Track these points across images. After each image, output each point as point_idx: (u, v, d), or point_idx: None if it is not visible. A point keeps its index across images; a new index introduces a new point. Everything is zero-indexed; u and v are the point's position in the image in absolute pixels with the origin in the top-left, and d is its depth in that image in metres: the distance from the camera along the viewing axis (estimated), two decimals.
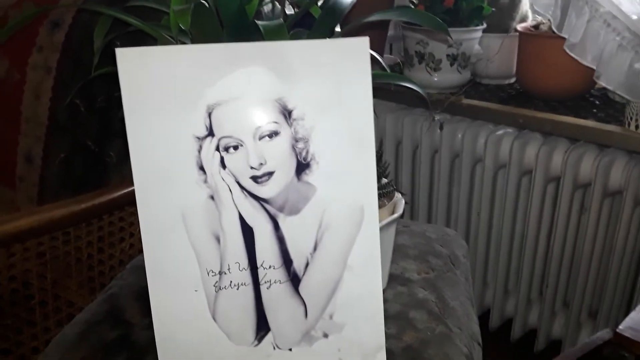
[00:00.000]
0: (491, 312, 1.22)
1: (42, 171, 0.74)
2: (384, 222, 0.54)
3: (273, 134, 0.45)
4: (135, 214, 0.75)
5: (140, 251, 0.77)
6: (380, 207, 0.54)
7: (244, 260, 0.47)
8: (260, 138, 0.45)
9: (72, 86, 0.72)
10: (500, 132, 1.09)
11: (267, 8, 0.63)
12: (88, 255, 0.68)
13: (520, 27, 1.07)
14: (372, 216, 0.47)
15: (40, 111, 0.74)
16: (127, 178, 0.75)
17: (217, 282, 0.47)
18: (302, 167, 0.46)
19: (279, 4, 0.64)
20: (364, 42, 0.46)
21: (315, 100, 0.46)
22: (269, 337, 0.49)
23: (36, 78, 0.76)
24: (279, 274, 0.48)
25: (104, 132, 0.74)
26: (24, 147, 0.77)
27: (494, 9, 1.08)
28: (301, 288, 0.48)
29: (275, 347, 0.49)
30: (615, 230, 0.99)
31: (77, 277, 0.68)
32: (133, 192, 0.71)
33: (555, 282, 1.11)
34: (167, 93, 0.44)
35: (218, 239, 0.47)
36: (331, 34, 0.58)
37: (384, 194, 0.57)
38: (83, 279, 0.68)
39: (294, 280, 0.48)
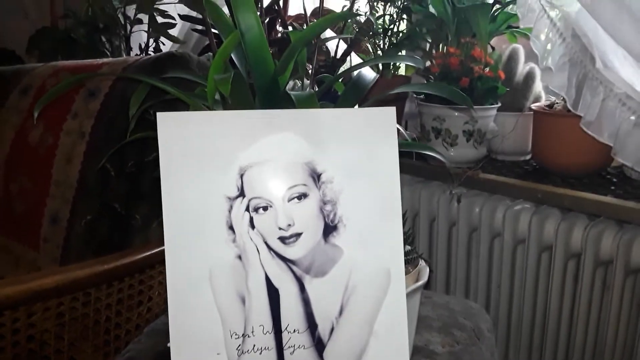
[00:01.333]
0: None
1: (67, 232, 0.76)
2: (410, 288, 0.53)
3: (302, 196, 0.46)
4: (154, 277, 0.75)
5: (157, 315, 0.76)
6: (405, 273, 0.54)
7: (268, 323, 0.47)
8: (290, 200, 0.46)
9: (104, 151, 0.75)
10: (518, 207, 1.09)
11: (292, 84, 0.66)
12: (106, 318, 0.68)
13: (534, 106, 1.10)
14: (399, 280, 0.47)
15: (70, 174, 0.77)
16: (150, 241, 0.75)
17: (240, 345, 0.47)
18: (329, 229, 0.47)
19: (306, 79, 0.67)
20: (391, 112, 0.48)
21: (344, 165, 0.47)
22: None
23: (69, 143, 0.79)
24: (304, 338, 0.47)
25: (132, 195, 0.76)
26: (51, 209, 0.79)
27: (508, 89, 1.12)
28: (326, 354, 0.47)
29: None
30: (639, 309, 0.96)
31: (94, 340, 0.67)
32: (155, 255, 0.72)
33: None
34: (202, 155, 0.46)
35: (243, 300, 0.47)
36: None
37: (408, 261, 0.57)
38: (99, 342, 0.67)
39: (319, 346, 0.47)
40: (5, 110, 0.89)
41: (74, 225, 0.76)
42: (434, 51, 1.20)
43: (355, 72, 0.63)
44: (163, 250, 0.45)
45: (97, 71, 0.80)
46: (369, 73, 0.64)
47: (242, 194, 0.46)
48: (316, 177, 0.47)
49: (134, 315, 0.72)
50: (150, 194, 0.76)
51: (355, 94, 0.62)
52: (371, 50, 1.25)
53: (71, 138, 0.79)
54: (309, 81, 0.67)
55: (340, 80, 0.69)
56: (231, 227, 0.46)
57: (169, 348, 0.47)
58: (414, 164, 1.21)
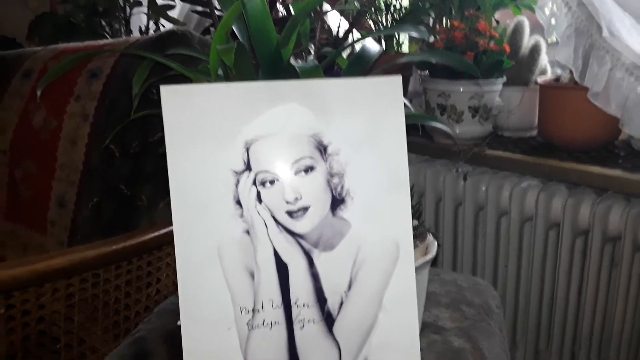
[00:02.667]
0: None
1: (74, 215, 0.76)
2: (419, 262, 0.53)
3: (309, 169, 0.46)
4: (162, 259, 0.75)
5: (166, 297, 0.77)
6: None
7: (277, 298, 0.46)
8: (296, 173, 0.46)
9: (108, 132, 0.75)
10: (525, 184, 1.08)
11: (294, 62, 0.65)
12: (115, 299, 0.68)
13: (540, 80, 1.09)
14: (407, 253, 0.47)
15: (75, 157, 0.77)
16: (156, 222, 0.75)
17: (249, 320, 0.46)
18: (337, 202, 0.46)
19: (309, 54, 0.66)
20: (397, 80, 0.47)
21: (350, 137, 0.46)
22: None
23: (73, 125, 0.79)
24: (313, 312, 0.47)
25: (137, 176, 0.76)
26: (57, 193, 0.78)
27: (513, 63, 1.10)
28: (335, 329, 0.47)
29: None
30: None
31: (103, 321, 0.67)
32: (162, 236, 0.72)
33: (588, 342, 1.06)
34: (207, 129, 0.45)
35: (252, 276, 0.46)
36: None
37: (416, 235, 0.56)
38: (109, 323, 0.67)
39: (328, 320, 0.47)
40: (7, 96, 0.88)
41: (80, 208, 0.76)
42: (437, 26, 1.18)
43: (359, 46, 0.62)
44: (170, 232, 0.45)
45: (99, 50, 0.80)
46: (373, 46, 0.63)
47: (248, 167, 0.46)
48: (322, 149, 0.46)
49: (143, 296, 0.72)
50: (155, 175, 0.76)
51: (359, 67, 0.61)
52: (373, 27, 1.23)
53: (75, 121, 0.78)
54: (311, 56, 0.66)
55: (343, 56, 0.68)
56: (238, 202, 0.46)
57: (179, 327, 0.47)
58: (419, 142, 1.20)
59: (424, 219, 1.23)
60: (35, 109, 0.83)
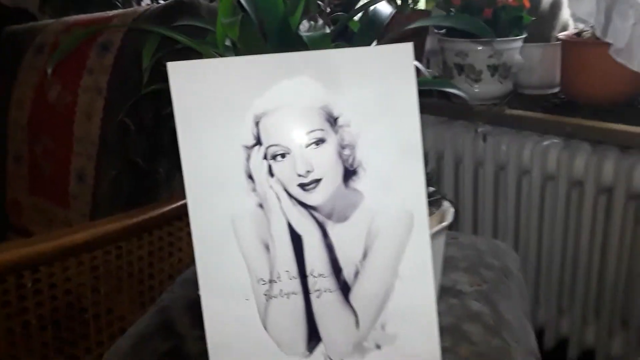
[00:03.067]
0: (545, 332, 1.17)
1: (95, 189, 0.77)
2: (434, 230, 0.53)
3: (319, 141, 0.46)
4: (182, 229, 0.77)
5: (188, 265, 0.78)
6: (428, 215, 0.54)
7: (293, 269, 0.47)
8: (307, 145, 0.46)
9: (122, 106, 0.75)
10: (546, 142, 1.06)
11: (305, 25, 0.64)
12: (139, 270, 0.70)
13: (562, 35, 1.05)
14: (422, 223, 0.47)
15: (92, 131, 0.77)
16: (175, 193, 0.76)
17: (267, 290, 0.47)
18: (349, 173, 0.46)
19: (321, 19, 0.65)
20: (407, 48, 0.46)
21: (361, 107, 0.46)
22: (320, 348, 0.48)
23: (87, 99, 0.79)
24: (329, 282, 0.47)
25: (153, 149, 0.77)
26: (76, 166, 0.80)
27: (533, 18, 1.06)
28: (352, 297, 0.48)
29: (327, 358, 0.48)
30: None
31: (129, 291, 0.69)
32: (181, 207, 0.73)
33: (612, 299, 1.06)
34: (216, 104, 0.45)
35: (267, 247, 0.47)
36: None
37: (432, 203, 0.56)
38: (134, 293, 0.70)
39: (344, 289, 0.48)
40: (22, 70, 0.89)
41: (99, 181, 0.77)
42: None
43: (371, 8, 0.60)
44: None
45: (107, 24, 0.79)
46: (384, 8, 0.61)
47: (259, 142, 0.45)
48: (333, 121, 0.46)
49: (166, 265, 0.74)
50: (170, 148, 0.76)
51: (371, 32, 0.59)
52: None
53: (89, 94, 0.79)
54: (322, 21, 0.65)
55: (355, 18, 0.67)
56: (250, 176, 0.46)
57: (199, 295, 0.48)
58: (437, 103, 1.18)
59: (442, 184, 1.22)
60: (50, 84, 0.84)
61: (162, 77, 0.69)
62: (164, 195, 0.77)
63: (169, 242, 0.74)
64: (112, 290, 0.67)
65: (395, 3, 1.15)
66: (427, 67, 1.40)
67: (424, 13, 1.20)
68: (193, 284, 0.65)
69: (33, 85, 0.86)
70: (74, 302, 0.63)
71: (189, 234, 0.78)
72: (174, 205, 0.69)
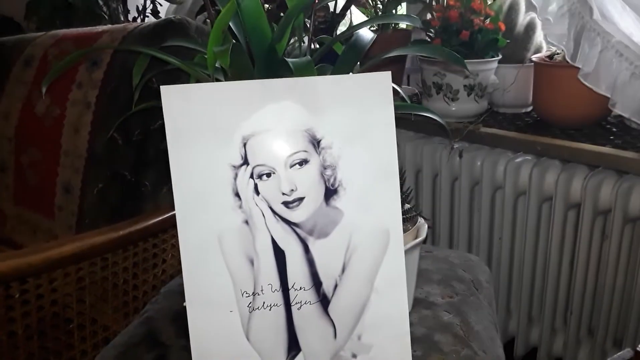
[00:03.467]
0: (516, 341, 1.21)
1: (81, 201, 0.79)
2: (408, 245, 0.56)
3: (303, 162, 0.49)
4: (167, 241, 0.79)
5: (172, 277, 0.80)
6: (404, 231, 0.57)
7: (276, 282, 0.50)
8: (291, 166, 0.48)
9: (110, 120, 0.77)
10: (519, 159, 1.11)
11: (290, 46, 0.67)
12: (124, 281, 0.72)
13: (535, 57, 1.10)
14: (397, 239, 0.50)
15: (79, 144, 0.79)
16: (161, 206, 0.78)
17: (250, 303, 0.50)
18: (330, 192, 0.49)
19: (306, 41, 0.68)
20: (386, 76, 0.49)
21: (342, 131, 0.49)
22: (299, 358, 0.51)
23: (76, 113, 0.81)
24: (309, 295, 0.50)
25: (140, 163, 0.79)
26: (62, 179, 0.81)
27: (508, 41, 1.11)
28: (330, 309, 0.50)
29: None
30: (637, 257, 0.99)
31: (113, 302, 0.71)
32: (166, 220, 0.75)
33: (579, 309, 1.11)
34: (206, 126, 0.48)
35: (252, 262, 0.50)
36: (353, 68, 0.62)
37: (407, 219, 0.59)
38: (118, 303, 0.71)
39: (324, 301, 0.50)
40: (10, 83, 0.90)
41: (86, 193, 0.78)
42: (434, 3, 1.18)
43: (354, 33, 0.63)
44: (174, 215, 0.48)
45: (97, 39, 0.81)
46: (366, 34, 0.64)
47: (245, 162, 0.48)
48: (316, 143, 0.49)
49: (150, 277, 0.76)
50: (157, 161, 0.78)
51: (353, 56, 0.63)
52: (371, 3, 1.24)
53: (77, 108, 0.80)
54: (306, 43, 0.68)
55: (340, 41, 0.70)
56: (237, 194, 0.48)
57: (185, 308, 0.51)
58: (416, 120, 1.22)
59: (420, 197, 1.26)
60: (38, 97, 0.85)
61: (152, 94, 0.71)
62: (149, 207, 0.78)
63: (154, 253, 0.75)
64: (97, 300, 0.69)
65: (378, 25, 1.20)
66: (408, 83, 1.45)
67: (405, 33, 1.25)
68: (177, 295, 0.67)
69: (21, 98, 0.87)
70: (59, 313, 0.65)
71: (173, 246, 0.80)
72: (159, 219, 0.71)
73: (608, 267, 1.03)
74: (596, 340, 1.08)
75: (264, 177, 0.48)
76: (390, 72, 0.49)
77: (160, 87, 0.46)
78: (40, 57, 0.88)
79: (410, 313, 0.62)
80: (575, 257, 1.08)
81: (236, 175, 0.48)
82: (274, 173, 0.48)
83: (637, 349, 0.53)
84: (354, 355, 0.51)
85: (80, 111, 0.79)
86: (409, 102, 0.65)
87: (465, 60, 0.98)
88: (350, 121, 0.49)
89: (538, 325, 1.19)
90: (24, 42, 0.94)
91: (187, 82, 0.59)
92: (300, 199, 0.49)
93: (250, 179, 0.48)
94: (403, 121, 1.17)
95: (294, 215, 0.49)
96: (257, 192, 0.49)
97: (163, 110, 0.46)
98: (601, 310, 1.06)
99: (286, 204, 0.49)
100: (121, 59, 0.79)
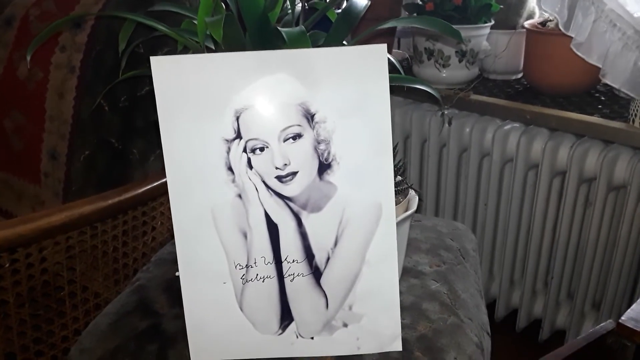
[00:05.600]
0: (497, 303, 1.25)
1: (67, 167, 0.77)
2: (399, 218, 0.57)
3: (297, 136, 0.48)
4: (156, 208, 0.78)
5: (162, 244, 0.80)
6: (395, 204, 0.57)
7: (269, 255, 0.50)
8: (285, 140, 0.48)
9: (96, 86, 0.75)
10: (507, 127, 1.11)
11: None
12: (113, 249, 0.72)
13: (527, 24, 1.09)
14: (389, 213, 0.50)
15: (64, 109, 0.77)
16: (149, 174, 0.77)
17: (244, 275, 0.50)
18: (323, 167, 0.49)
19: (299, 8, 0.66)
20: (382, 49, 0.48)
21: (336, 104, 0.48)
22: (292, 327, 0.52)
23: (59, 77, 0.78)
24: (302, 267, 0.51)
25: (127, 130, 0.77)
26: (48, 145, 0.80)
27: (501, 6, 1.09)
28: (322, 281, 0.51)
29: (298, 336, 0.52)
30: (619, 224, 1.02)
31: (104, 269, 0.71)
32: (156, 188, 0.74)
33: (560, 273, 1.14)
34: (198, 98, 0.47)
35: (245, 235, 0.50)
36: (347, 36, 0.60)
37: (399, 192, 0.60)
38: (109, 270, 0.71)
39: (316, 273, 0.51)
40: None
41: (72, 160, 0.77)
42: None
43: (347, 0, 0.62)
44: (163, 184, 0.48)
45: (86, 10, 0.78)
46: (360, 1, 0.63)
47: (238, 135, 0.48)
48: (310, 117, 0.48)
49: (140, 244, 0.76)
50: (145, 129, 0.77)
51: (347, 24, 0.61)
52: None
53: (61, 72, 0.78)
54: (299, 9, 0.66)
55: (333, 7, 0.68)
56: (230, 168, 0.48)
57: (177, 277, 0.51)
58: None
59: (408, 166, 1.27)
60: (19, 59, 0.83)
61: (139, 60, 0.69)
62: (137, 175, 0.78)
63: (143, 221, 0.75)
64: (87, 268, 0.69)
65: None
66: (399, 47, 1.43)
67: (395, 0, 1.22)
68: (168, 263, 0.67)
69: (2, 60, 0.84)
70: (50, 281, 0.65)
71: (162, 214, 0.80)
72: (148, 187, 0.70)
73: (590, 233, 1.06)
74: (575, 303, 1.12)
75: (257, 151, 0.48)
76: (385, 45, 0.48)
77: (150, 58, 0.44)
78: (21, 17, 0.84)
79: (399, 282, 0.63)
80: (558, 223, 1.10)
81: (229, 149, 0.48)
82: (267, 147, 0.48)
83: (620, 321, 0.55)
84: (345, 325, 0.52)
85: (64, 75, 0.77)
86: (400, 68, 0.64)
87: (458, 27, 0.97)
88: (345, 95, 0.48)
89: (519, 288, 1.23)
90: (4, 1, 0.90)
91: (175, 47, 0.57)
92: (294, 173, 0.49)
93: (244, 153, 0.48)
94: (392, 87, 1.16)
95: (287, 189, 0.49)
96: (250, 166, 0.48)
97: (153, 82, 0.45)
98: (581, 274, 1.10)
99: (279, 178, 0.49)
100: (106, 22, 0.76)
